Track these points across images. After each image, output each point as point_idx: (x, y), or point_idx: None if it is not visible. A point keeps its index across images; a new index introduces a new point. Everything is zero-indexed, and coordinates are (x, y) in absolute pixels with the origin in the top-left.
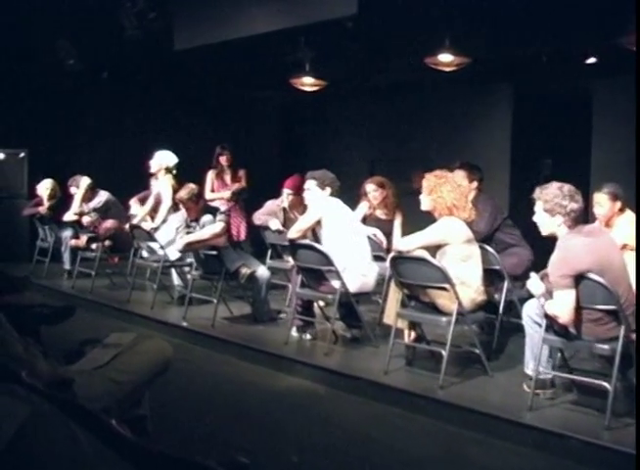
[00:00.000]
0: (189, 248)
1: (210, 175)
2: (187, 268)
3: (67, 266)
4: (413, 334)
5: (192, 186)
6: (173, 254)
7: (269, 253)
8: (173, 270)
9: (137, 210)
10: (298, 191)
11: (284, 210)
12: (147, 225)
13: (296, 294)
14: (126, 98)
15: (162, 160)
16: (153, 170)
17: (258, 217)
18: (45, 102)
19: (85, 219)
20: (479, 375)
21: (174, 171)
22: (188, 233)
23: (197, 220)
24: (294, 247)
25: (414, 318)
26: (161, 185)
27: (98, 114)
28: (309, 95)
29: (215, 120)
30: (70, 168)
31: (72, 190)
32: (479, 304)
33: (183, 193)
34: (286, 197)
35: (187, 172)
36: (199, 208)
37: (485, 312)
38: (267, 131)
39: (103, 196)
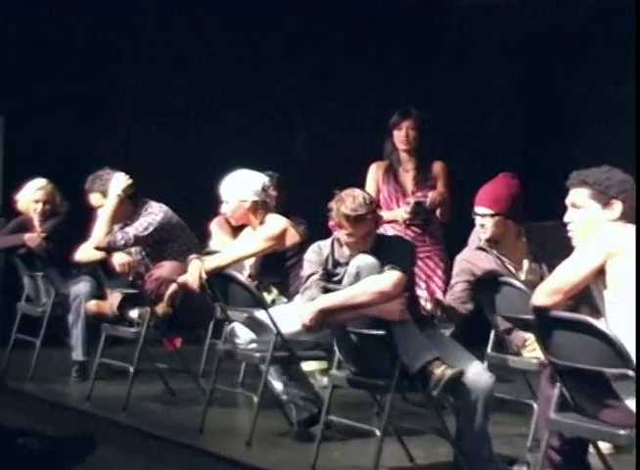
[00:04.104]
0: (325, 319)
1: (374, 174)
2: (319, 364)
3: (78, 355)
4: None
5: (360, 192)
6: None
7: (492, 336)
8: (272, 369)
9: (223, 241)
10: (506, 210)
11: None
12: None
13: (549, 424)
14: (196, 29)
15: (237, 190)
16: (233, 219)
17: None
18: (39, 36)
19: (118, 259)
20: None
21: (267, 198)
22: (326, 291)
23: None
24: (544, 323)
25: None
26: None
27: (138, 59)
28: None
29: (387, 62)
30: (87, 157)
31: (93, 200)
32: None
33: (350, 206)
34: (480, 225)
35: (327, 174)
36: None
37: None
38: (491, 84)
39: (155, 213)
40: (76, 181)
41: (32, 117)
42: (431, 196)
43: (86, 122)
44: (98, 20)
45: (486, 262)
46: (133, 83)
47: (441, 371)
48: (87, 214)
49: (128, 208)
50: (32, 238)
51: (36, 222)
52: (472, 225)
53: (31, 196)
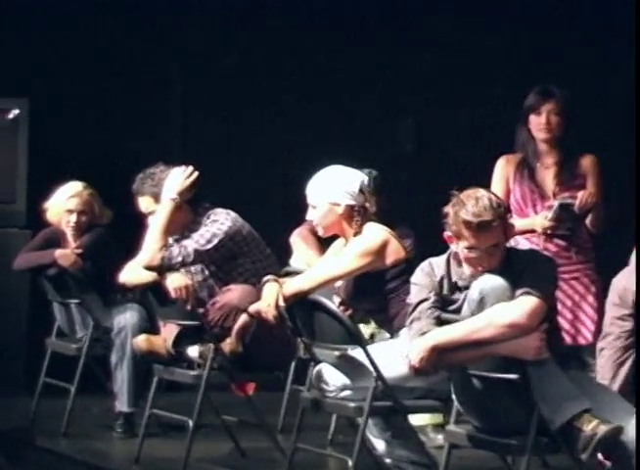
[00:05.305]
0: (440, 360)
1: (503, 170)
2: (432, 418)
3: (123, 405)
4: None
5: (485, 193)
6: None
7: None
8: (371, 423)
9: (307, 257)
10: None
11: None
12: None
13: None
14: None
15: (328, 191)
16: (321, 228)
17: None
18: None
19: (174, 281)
20: None
21: (365, 203)
22: (441, 323)
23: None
24: None
25: None
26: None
27: (200, 28)
28: None
29: (521, 29)
30: (134, 152)
31: (143, 205)
32: None
33: (472, 210)
34: None
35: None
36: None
37: None
38: None
39: (221, 221)
40: (121, 183)
41: (65, 100)
42: (580, 197)
43: (133, 109)
44: None
45: None
46: (192, 59)
47: (593, 427)
48: (135, 225)
49: (187, 215)
50: (65, 255)
51: (70, 236)
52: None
53: (63, 205)
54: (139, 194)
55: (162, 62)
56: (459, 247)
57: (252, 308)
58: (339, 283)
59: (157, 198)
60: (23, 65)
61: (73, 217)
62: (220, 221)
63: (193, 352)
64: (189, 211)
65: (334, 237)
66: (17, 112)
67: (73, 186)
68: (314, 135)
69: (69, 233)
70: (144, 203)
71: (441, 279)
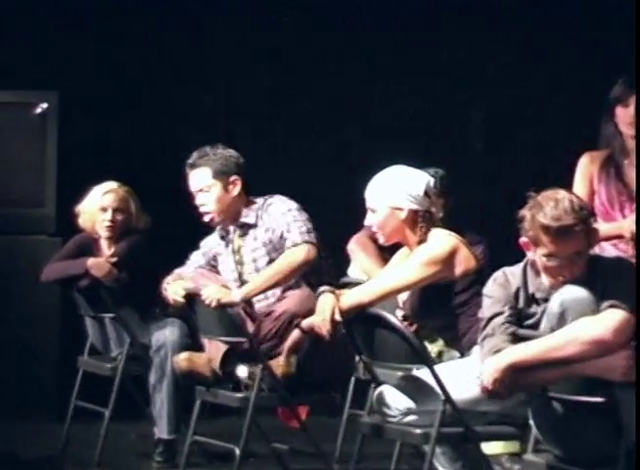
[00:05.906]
0: (516, 381)
1: (587, 169)
2: (507, 446)
3: (163, 431)
4: None
5: (566, 195)
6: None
7: None
8: (439, 452)
9: (367, 266)
10: None
11: None
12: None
13: None
14: None
15: (389, 194)
16: (382, 235)
17: None
18: None
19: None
20: None
21: (431, 207)
22: (517, 340)
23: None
24: None
25: None
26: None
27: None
28: None
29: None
30: (172, 155)
31: (197, 179)
32: None
33: (551, 214)
34: None
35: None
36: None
37: None
38: None
39: (293, 206)
40: (160, 185)
41: (98, 95)
42: None
43: (174, 106)
44: None
45: None
46: (237, 49)
47: None
48: (176, 231)
49: (242, 201)
50: (99, 264)
51: (104, 242)
52: None
53: (97, 203)
54: (194, 167)
55: (203, 58)
56: (537, 254)
57: (306, 323)
58: (402, 296)
59: (215, 171)
60: (53, 56)
61: (108, 215)
62: (289, 205)
63: (242, 372)
64: (244, 198)
65: (396, 245)
66: (45, 106)
67: (107, 185)
68: (375, 132)
69: (104, 235)
70: (198, 175)
71: (517, 291)
